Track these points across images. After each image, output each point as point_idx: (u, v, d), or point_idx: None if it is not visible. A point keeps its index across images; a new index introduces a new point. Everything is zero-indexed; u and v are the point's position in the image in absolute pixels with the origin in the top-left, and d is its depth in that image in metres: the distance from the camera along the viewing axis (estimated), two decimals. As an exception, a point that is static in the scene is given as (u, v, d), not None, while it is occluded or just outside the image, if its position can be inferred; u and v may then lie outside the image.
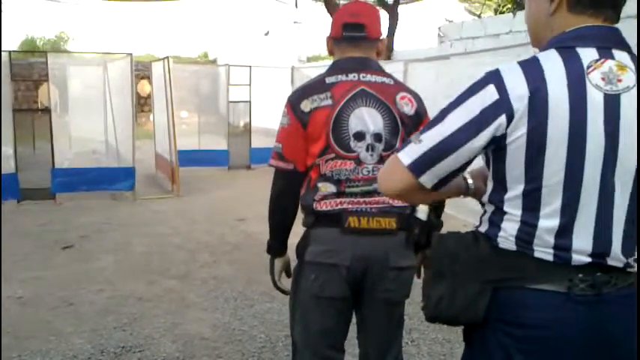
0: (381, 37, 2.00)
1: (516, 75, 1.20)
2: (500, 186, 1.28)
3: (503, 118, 1.19)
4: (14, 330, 3.58)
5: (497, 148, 1.24)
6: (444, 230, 1.51)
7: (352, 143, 1.87)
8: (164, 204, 7.70)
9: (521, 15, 7.45)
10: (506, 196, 1.26)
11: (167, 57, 8.53)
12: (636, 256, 1.26)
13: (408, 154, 1.24)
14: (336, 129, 1.87)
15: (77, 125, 10.51)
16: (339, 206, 1.88)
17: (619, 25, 1.28)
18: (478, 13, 14.34)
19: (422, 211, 1.85)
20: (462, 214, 5.57)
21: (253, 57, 13.92)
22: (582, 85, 1.18)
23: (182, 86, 10.77)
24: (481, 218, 1.36)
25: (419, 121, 1.93)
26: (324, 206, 1.89)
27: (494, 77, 1.22)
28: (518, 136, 1.19)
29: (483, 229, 1.33)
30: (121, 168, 8.24)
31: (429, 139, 1.23)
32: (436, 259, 1.35)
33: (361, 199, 1.88)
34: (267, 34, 17.76)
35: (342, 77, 1.91)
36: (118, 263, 5.05)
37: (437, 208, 2.02)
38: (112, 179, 7.91)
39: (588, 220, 1.21)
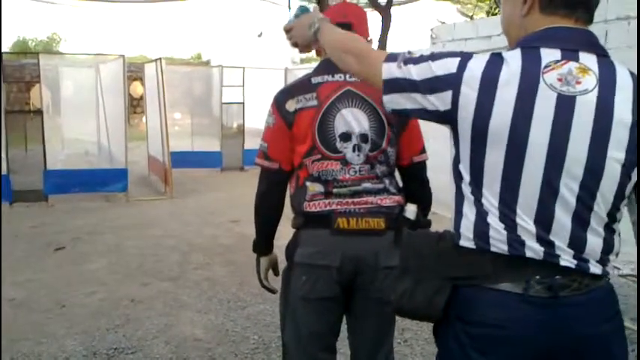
0: (369, 38, 2.01)
1: (481, 63, 1.24)
2: (459, 172, 1.31)
3: (449, 94, 1.24)
4: (6, 332, 3.56)
5: (452, 130, 1.29)
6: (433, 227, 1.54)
7: (338, 144, 1.88)
8: (157, 205, 7.69)
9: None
10: (463, 184, 1.30)
11: (160, 58, 8.52)
12: (600, 259, 1.25)
13: (388, 72, 1.33)
14: (321, 130, 1.88)
15: (69, 127, 10.48)
16: (328, 207, 1.89)
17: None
18: (470, 14, 14.40)
19: (410, 212, 1.87)
20: (443, 211, 5.57)
21: (247, 58, 13.91)
22: (534, 83, 1.20)
23: (175, 88, 10.76)
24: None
25: (403, 120, 1.93)
26: (313, 207, 1.90)
27: (465, 55, 1.27)
28: (464, 122, 1.24)
29: (452, 221, 1.36)
30: (114, 169, 8.22)
31: (405, 72, 1.31)
32: (402, 255, 1.40)
33: (350, 200, 1.89)
34: (260, 35, 17.75)
35: (328, 77, 1.91)
36: (110, 265, 5.04)
37: (424, 208, 2.03)
38: (104, 181, 7.89)
39: (529, 216, 1.23)
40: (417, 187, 2.05)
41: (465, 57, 1.26)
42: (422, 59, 1.31)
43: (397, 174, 2.04)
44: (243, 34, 18.12)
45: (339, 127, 1.88)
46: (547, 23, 1.27)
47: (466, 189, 1.29)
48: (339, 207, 1.88)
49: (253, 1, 16.83)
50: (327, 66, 1.93)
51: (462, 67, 1.24)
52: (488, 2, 13.14)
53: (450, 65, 1.26)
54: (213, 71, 12.08)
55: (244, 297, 4.20)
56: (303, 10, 1.90)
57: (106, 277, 4.71)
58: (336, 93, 1.89)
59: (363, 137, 1.88)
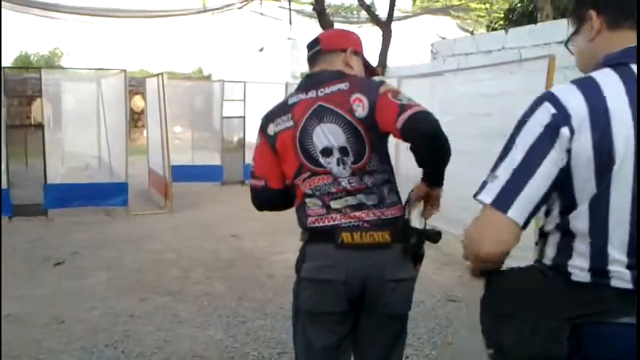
0: (346, 49, 1.99)
1: (571, 92, 1.19)
2: (567, 206, 1.23)
3: (566, 130, 1.16)
4: (3, 349, 3.53)
5: (565, 177, 1.20)
6: (440, 243, 1.48)
7: (322, 160, 1.88)
8: (157, 220, 7.66)
9: (513, 32, 7.50)
10: (572, 217, 1.21)
11: (162, 73, 8.55)
12: None
13: (487, 193, 1.21)
14: (303, 148, 1.89)
15: (70, 141, 10.47)
16: (331, 222, 1.88)
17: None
18: (470, 29, 14.48)
19: (415, 218, 1.85)
20: (453, 228, 5.54)
21: (248, 73, 13.95)
22: None
23: (176, 102, 10.77)
24: (541, 249, 1.31)
25: (372, 112, 1.82)
26: (316, 222, 1.90)
27: (548, 96, 1.21)
28: (582, 150, 1.16)
29: (549, 259, 1.27)
30: (114, 183, 8.21)
31: (503, 170, 1.20)
32: (499, 299, 1.27)
33: (351, 213, 1.87)
34: (261, 50, 17.84)
35: (302, 96, 1.93)
36: (110, 280, 5.01)
37: (441, 159, 1.91)
38: (104, 195, 7.87)
39: None
40: (416, 142, 1.79)
41: (550, 96, 1.20)
42: (509, 144, 1.21)
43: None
44: (245, 48, 18.21)
45: (319, 144, 1.88)
46: (616, 38, 1.25)
47: (581, 231, 1.20)
48: (342, 221, 1.87)
49: (254, 16, 16.94)
50: (305, 83, 1.98)
51: (557, 104, 1.18)
52: (488, 17, 13.23)
53: (546, 109, 1.19)
54: (214, 85, 12.11)
55: (244, 312, 4.16)
56: None
57: (105, 292, 4.68)
58: (308, 111, 1.89)
59: (343, 150, 1.87)
